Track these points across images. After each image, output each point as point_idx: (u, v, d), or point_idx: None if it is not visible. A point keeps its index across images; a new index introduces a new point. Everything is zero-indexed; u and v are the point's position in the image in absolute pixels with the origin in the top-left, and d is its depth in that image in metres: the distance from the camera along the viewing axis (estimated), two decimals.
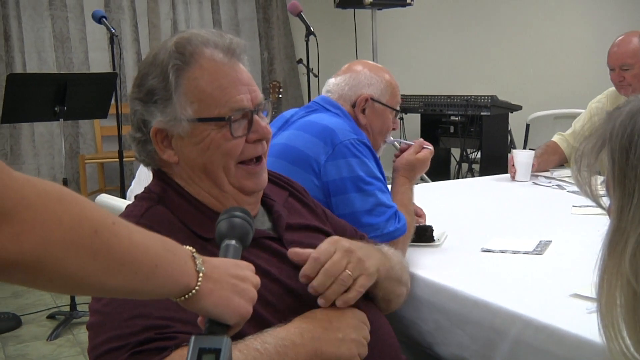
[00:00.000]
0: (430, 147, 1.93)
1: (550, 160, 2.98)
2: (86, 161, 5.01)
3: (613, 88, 2.96)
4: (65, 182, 3.68)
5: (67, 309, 3.52)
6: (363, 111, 1.90)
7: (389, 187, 1.86)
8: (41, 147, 5.03)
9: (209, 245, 1.13)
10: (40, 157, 5.04)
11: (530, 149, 4.54)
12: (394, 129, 2.00)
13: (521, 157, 2.83)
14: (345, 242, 1.23)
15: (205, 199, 1.24)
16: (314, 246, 1.26)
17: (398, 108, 1.97)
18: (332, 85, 1.94)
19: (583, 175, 0.84)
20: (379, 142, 1.97)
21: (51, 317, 3.53)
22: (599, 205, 0.85)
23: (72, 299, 3.51)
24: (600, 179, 0.85)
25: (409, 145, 1.94)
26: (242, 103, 1.20)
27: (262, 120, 1.24)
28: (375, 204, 1.67)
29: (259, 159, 1.25)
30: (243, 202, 1.24)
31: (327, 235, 1.36)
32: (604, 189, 0.83)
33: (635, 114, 0.79)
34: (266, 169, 1.29)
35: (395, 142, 2.05)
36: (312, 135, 1.74)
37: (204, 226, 1.19)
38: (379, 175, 1.75)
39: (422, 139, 1.94)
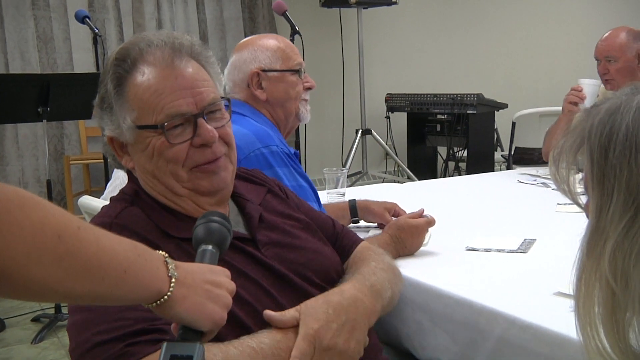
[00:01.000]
0: (430, 216, 1.74)
1: None
2: (71, 162, 4.97)
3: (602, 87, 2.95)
4: (49, 184, 3.66)
5: (52, 311, 3.49)
6: (261, 87, 1.88)
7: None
8: (25, 149, 4.98)
9: (183, 244, 1.12)
10: (25, 158, 4.98)
11: (516, 147, 4.56)
12: (310, 88, 1.96)
13: (591, 88, 2.70)
14: (325, 339, 1.12)
15: (165, 202, 1.23)
16: (290, 245, 1.27)
17: (297, 68, 1.92)
18: (225, 76, 1.92)
19: (561, 174, 0.83)
20: (292, 107, 1.92)
21: (36, 320, 3.50)
22: (577, 204, 0.85)
23: None
24: (579, 177, 0.84)
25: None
26: (180, 109, 1.18)
27: (210, 122, 1.20)
28: None
29: (216, 159, 1.22)
30: (202, 203, 1.23)
31: (307, 231, 1.35)
32: (583, 187, 0.83)
33: (613, 112, 0.78)
34: (228, 168, 1.25)
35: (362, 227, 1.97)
36: None
37: (175, 227, 1.18)
38: (293, 182, 1.72)
39: (423, 209, 1.78)
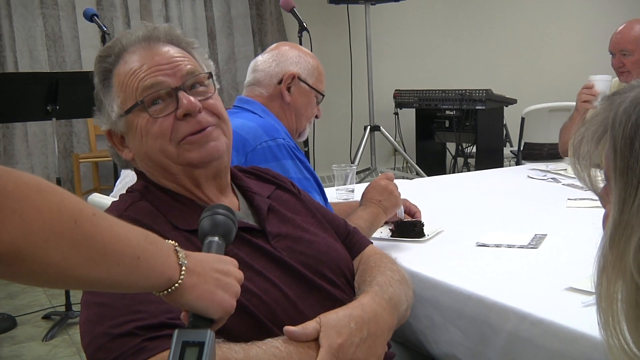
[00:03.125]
0: (387, 173, 1.88)
1: None
2: (80, 160, 4.99)
3: (617, 79, 2.94)
4: (58, 182, 3.67)
5: (63, 309, 3.50)
6: (289, 89, 1.91)
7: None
8: (34, 147, 5.00)
9: (192, 237, 1.13)
10: (34, 156, 5.01)
11: (525, 143, 4.53)
12: (317, 117, 2.01)
13: (603, 84, 2.69)
14: (348, 353, 1.10)
15: (168, 186, 1.25)
16: (300, 238, 1.27)
17: (323, 93, 1.99)
18: (260, 62, 1.96)
19: (582, 164, 0.80)
20: (303, 124, 1.98)
21: (46, 317, 3.51)
22: (598, 195, 0.82)
23: (68, 298, 3.49)
24: (599, 170, 0.81)
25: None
26: (156, 79, 1.20)
27: (194, 95, 1.22)
28: None
29: (203, 129, 1.22)
30: (197, 177, 1.24)
31: (318, 227, 1.35)
32: (604, 178, 0.80)
33: None
34: (219, 138, 1.25)
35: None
36: None
37: (184, 218, 1.19)
38: (299, 175, 1.74)
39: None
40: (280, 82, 1.91)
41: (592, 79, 2.72)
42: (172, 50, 1.24)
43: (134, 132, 1.23)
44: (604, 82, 2.69)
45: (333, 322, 1.11)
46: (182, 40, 1.28)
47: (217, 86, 1.32)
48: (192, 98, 1.21)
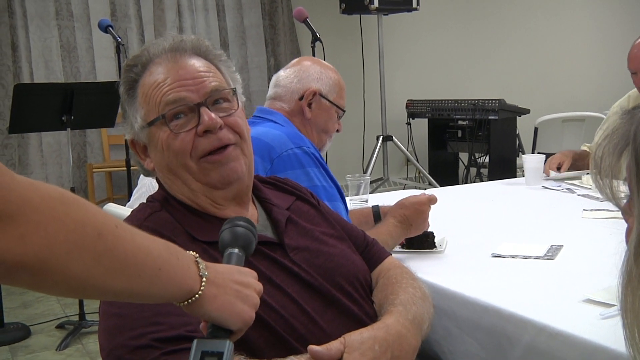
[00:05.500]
0: (431, 195, 1.81)
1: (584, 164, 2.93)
2: (94, 170, 5.02)
3: (635, 90, 2.90)
4: (73, 191, 3.67)
5: (76, 318, 3.51)
6: (310, 105, 1.91)
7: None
8: (49, 157, 5.04)
9: (210, 249, 1.13)
10: (48, 166, 5.04)
11: (539, 153, 4.52)
12: (337, 131, 2.01)
13: (531, 162, 2.81)
14: None
15: (186, 201, 1.24)
16: (318, 251, 1.26)
17: (344, 108, 1.99)
18: (282, 78, 1.96)
19: (604, 177, 0.80)
20: (323, 140, 1.98)
21: (60, 326, 3.52)
22: (621, 209, 0.81)
23: (81, 308, 3.50)
24: (621, 182, 0.81)
25: None
26: (179, 94, 1.20)
27: (216, 112, 1.21)
28: None
29: (224, 148, 1.22)
30: (216, 197, 1.23)
31: (336, 238, 1.35)
32: (627, 191, 0.79)
33: None
34: (239, 158, 1.24)
35: None
36: None
37: (202, 230, 1.19)
38: (324, 183, 1.73)
39: (424, 193, 1.85)
40: (301, 99, 1.92)
41: (523, 158, 2.87)
42: (197, 64, 1.24)
43: (155, 144, 1.23)
44: (534, 162, 2.79)
45: (357, 343, 1.09)
46: (209, 52, 1.28)
47: (243, 99, 1.32)
48: (213, 114, 1.20)
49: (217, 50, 1.30)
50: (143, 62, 1.24)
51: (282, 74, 1.97)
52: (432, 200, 1.78)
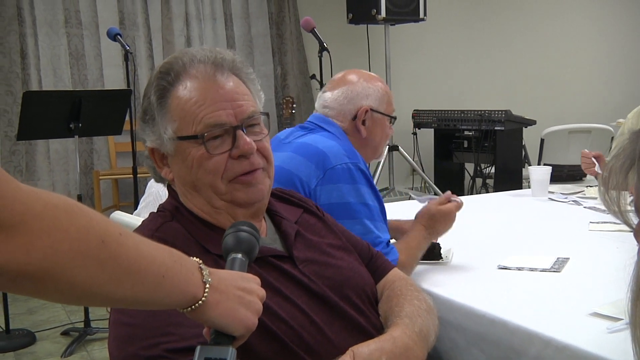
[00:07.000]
0: (458, 200, 1.83)
1: None
2: (100, 177, 5.04)
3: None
4: (79, 198, 3.70)
5: (82, 325, 3.52)
6: (363, 122, 1.90)
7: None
8: (56, 164, 5.06)
9: (220, 261, 1.13)
10: (55, 173, 5.06)
11: (545, 164, 4.52)
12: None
13: (537, 174, 2.81)
14: None
15: (202, 215, 1.24)
16: (326, 264, 1.26)
17: (394, 115, 1.98)
18: (330, 100, 1.92)
19: (611, 195, 0.81)
20: (378, 151, 1.97)
21: (65, 333, 3.53)
22: (629, 226, 0.82)
23: (87, 315, 3.51)
24: (628, 197, 0.81)
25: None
26: (219, 119, 1.20)
27: (249, 135, 1.22)
28: (362, 232, 1.63)
29: (253, 170, 1.23)
30: (237, 216, 1.24)
31: (342, 250, 1.36)
32: (633, 208, 0.80)
33: None
34: (265, 181, 1.26)
35: (417, 199, 2.02)
36: (305, 158, 1.74)
37: (212, 242, 1.20)
38: (371, 202, 1.73)
39: (450, 192, 1.85)
40: (354, 118, 1.90)
41: (529, 169, 2.90)
42: (235, 84, 1.24)
43: (184, 158, 1.22)
44: (540, 172, 2.81)
45: (365, 355, 1.11)
46: (242, 71, 1.28)
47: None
48: (248, 139, 1.21)
49: (247, 69, 1.30)
50: (176, 70, 1.23)
51: (330, 95, 1.93)
52: (459, 206, 1.81)
